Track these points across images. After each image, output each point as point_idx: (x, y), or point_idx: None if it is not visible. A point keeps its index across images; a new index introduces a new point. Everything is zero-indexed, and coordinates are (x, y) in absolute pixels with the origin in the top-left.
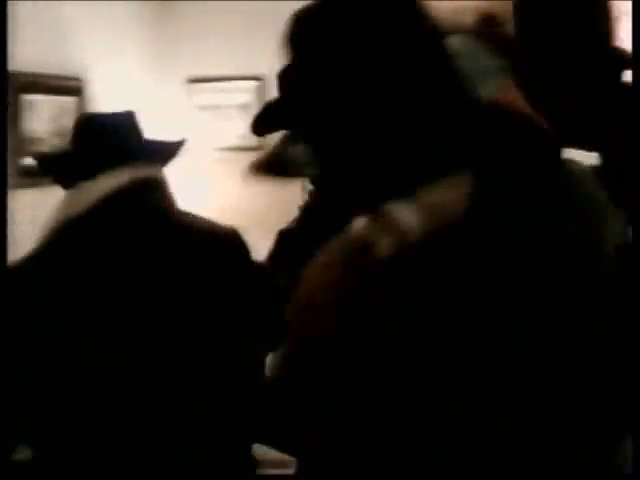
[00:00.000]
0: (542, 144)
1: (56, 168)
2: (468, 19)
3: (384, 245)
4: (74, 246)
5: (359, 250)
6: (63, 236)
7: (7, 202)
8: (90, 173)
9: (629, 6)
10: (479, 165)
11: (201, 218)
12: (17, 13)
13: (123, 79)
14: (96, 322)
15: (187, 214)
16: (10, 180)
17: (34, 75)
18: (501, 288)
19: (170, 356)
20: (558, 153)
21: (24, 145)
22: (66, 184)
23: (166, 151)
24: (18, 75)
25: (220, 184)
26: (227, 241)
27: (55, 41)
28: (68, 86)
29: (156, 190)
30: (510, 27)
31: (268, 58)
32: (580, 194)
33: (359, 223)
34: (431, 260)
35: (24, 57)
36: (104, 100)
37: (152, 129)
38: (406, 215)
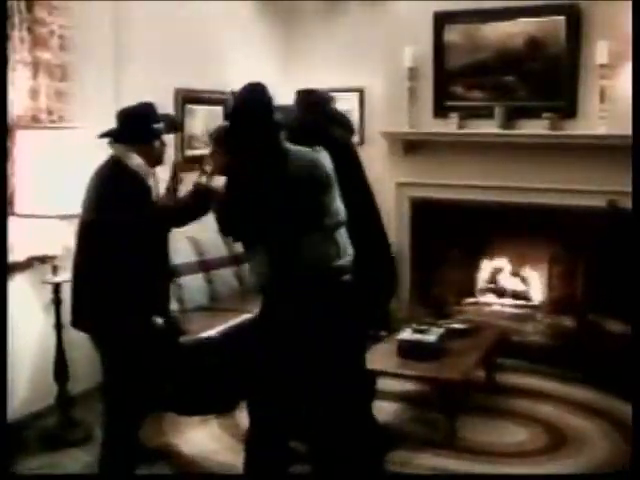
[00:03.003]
0: None
1: None
2: (518, 41)
3: None
4: None
5: None
6: None
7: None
8: None
9: None
10: None
11: None
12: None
13: None
14: None
15: None
16: (178, 165)
17: (194, 91)
18: None
19: None
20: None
21: (187, 140)
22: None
23: None
24: (184, 90)
25: None
26: None
27: (208, 65)
28: (216, 98)
29: None
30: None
31: (367, 75)
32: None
33: None
34: None
35: (188, 78)
36: None
37: None
38: None
